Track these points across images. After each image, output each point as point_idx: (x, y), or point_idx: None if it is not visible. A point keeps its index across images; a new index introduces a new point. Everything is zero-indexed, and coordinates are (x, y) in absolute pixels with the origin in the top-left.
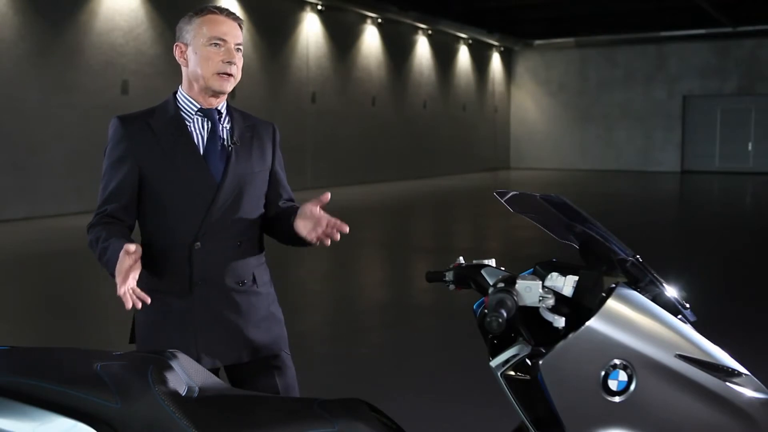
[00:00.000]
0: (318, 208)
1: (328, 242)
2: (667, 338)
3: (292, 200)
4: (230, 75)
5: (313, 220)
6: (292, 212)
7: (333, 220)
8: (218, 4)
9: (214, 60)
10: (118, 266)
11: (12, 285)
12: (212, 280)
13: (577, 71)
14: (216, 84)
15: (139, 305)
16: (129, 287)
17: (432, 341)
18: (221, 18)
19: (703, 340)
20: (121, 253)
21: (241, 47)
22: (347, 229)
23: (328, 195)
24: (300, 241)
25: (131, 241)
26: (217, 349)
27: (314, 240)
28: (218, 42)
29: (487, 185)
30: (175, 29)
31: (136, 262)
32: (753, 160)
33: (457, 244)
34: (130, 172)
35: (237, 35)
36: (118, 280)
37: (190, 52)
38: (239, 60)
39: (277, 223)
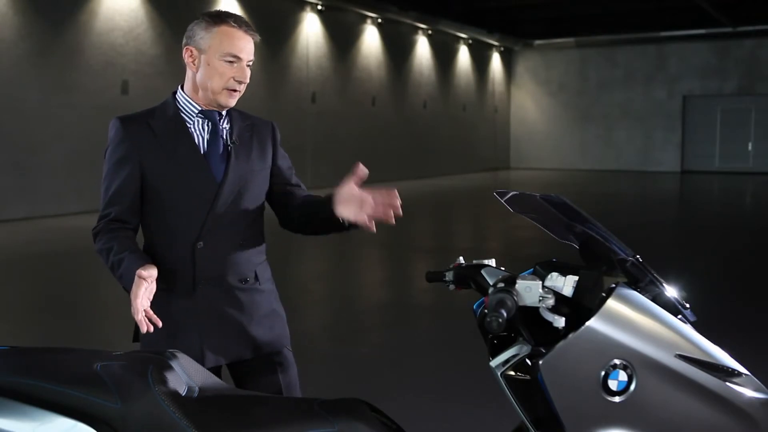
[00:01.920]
0: (354, 186)
1: (393, 221)
2: (667, 338)
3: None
4: (239, 92)
5: (356, 201)
6: (319, 201)
7: (377, 193)
8: (220, 6)
9: (226, 76)
10: (133, 289)
11: (12, 285)
12: (215, 279)
13: (577, 71)
14: (223, 99)
15: (152, 329)
16: (143, 313)
17: (432, 341)
18: (239, 33)
19: (703, 340)
20: (136, 278)
21: (251, 63)
22: (398, 202)
23: (363, 167)
24: (337, 227)
25: (143, 255)
26: (221, 346)
27: (367, 222)
28: (233, 59)
29: (487, 185)
30: (186, 29)
31: (151, 284)
32: (753, 160)
33: (457, 244)
34: (132, 172)
35: (251, 51)
36: (134, 304)
37: (202, 60)
38: (248, 76)
39: (303, 214)
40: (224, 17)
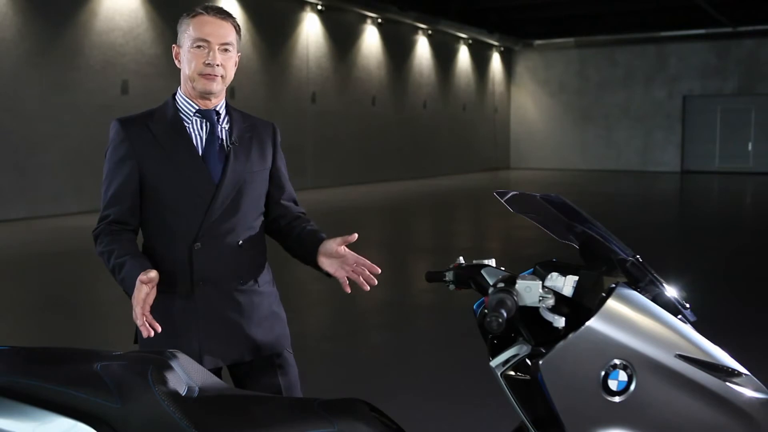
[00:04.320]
0: (343, 247)
1: (367, 287)
2: (667, 338)
3: (294, 201)
4: (215, 75)
5: (338, 258)
6: (310, 239)
7: (361, 259)
8: (218, 4)
9: (197, 61)
10: (135, 294)
11: (12, 285)
12: (214, 280)
13: (577, 71)
14: (200, 85)
15: (153, 334)
16: (144, 318)
17: (432, 341)
18: (207, 18)
19: (703, 340)
20: (138, 282)
21: (228, 47)
22: (379, 270)
23: (355, 235)
24: (315, 267)
25: (144, 260)
26: (220, 348)
27: (343, 279)
28: (201, 44)
29: (487, 185)
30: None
31: (152, 289)
32: (753, 160)
33: (457, 244)
34: (132, 172)
35: (223, 35)
36: (136, 310)
37: (182, 53)
38: (227, 60)
39: (289, 240)
40: (198, 9)
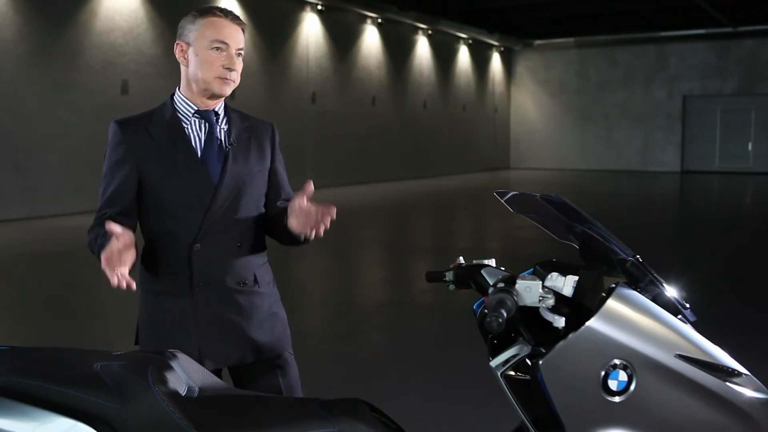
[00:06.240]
0: (304, 200)
1: (321, 232)
2: (667, 338)
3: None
4: (231, 80)
5: (303, 214)
6: (279, 213)
7: (320, 207)
8: (219, 5)
9: (215, 64)
10: (107, 247)
11: (12, 285)
12: (213, 282)
13: (577, 71)
14: (216, 87)
15: (125, 285)
16: (119, 272)
17: (432, 341)
18: (225, 21)
19: (703, 340)
20: (111, 237)
21: (242, 52)
22: (334, 212)
23: (311, 184)
24: (297, 240)
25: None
26: (220, 350)
27: (308, 233)
28: (220, 46)
29: (487, 185)
30: (177, 27)
31: (126, 247)
32: (753, 160)
33: (457, 244)
34: (129, 174)
35: (239, 40)
36: (102, 257)
37: (191, 52)
38: (239, 65)
39: (274, 224)
40: (210, 9)
